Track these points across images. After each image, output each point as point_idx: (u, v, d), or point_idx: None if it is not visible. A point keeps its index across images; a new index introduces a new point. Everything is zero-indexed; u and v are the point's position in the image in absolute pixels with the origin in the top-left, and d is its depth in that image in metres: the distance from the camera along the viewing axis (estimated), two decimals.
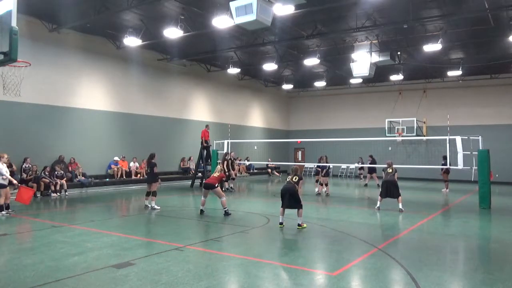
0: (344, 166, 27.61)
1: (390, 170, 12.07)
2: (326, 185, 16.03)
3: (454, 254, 7.43)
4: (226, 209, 10.57)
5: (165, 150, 20.73)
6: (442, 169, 17.79)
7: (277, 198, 13.35)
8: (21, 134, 15.08)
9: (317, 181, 16.46)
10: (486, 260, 7.00)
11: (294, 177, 9.17)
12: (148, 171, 12.38)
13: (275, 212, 11.25)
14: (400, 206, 11.65)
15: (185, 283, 5.16)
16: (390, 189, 11.82)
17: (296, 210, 9.03)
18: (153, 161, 11.95)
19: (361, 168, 21.66)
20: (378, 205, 12.08)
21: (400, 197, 11.77)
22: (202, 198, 10.82)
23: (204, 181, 11.43)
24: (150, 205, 11.76)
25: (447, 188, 18.04)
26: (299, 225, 8.98)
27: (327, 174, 16.34)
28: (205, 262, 6.19)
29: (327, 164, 16.16)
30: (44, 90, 15.90)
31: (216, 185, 10.53)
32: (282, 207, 9.10)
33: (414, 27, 16.10)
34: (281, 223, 9.16)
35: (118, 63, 19.05)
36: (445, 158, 17.79)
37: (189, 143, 22.12)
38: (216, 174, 10.94)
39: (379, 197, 12.09)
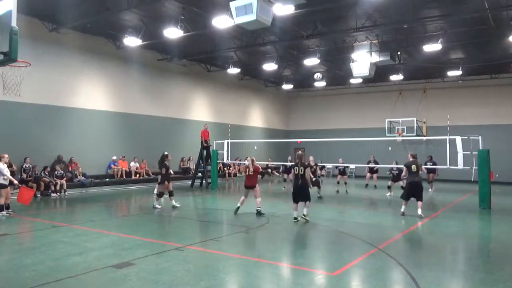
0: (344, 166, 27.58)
1: (415, 169, 10.49)
2: (338, 183, 17.55)
3: (454, 254, 7.43)
4: (260, 208, 10.60)
5: (165, 150, 20.58)
6: (430, 169, 17.33)
7: (277, 198, 13.39)
8: (21, 134, 15.07)
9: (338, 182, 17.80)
10: (486, 260, 6.99)
11: (301, 168, 9.60)
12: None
13: (275, 212, 11.28)
14: (420, 212, 10.50)
15: (185, 283, 5.15)
16: (415, 192, 10.50)
17: (305, 202, 9.62)
18: (165, 162, 11.99)
19: (343, 170, 17.88)
20: (402, 210, 10.69)
21: (421, 202, 10.54)
22: (243, 197, 10.89)
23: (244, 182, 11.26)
24: (172, 203, 11.97)
25: (431, 188, 17.76)
26: (304, 215, 9.54)
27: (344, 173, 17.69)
28: (205, 262, 6.19)
29: (344, 165, 17.34)
30: (44, 90, 15.89)
31: (256, 185, 10.80)
32: (295, 202, 9.66)
33: (414, 27, 16.10)
34: (296, 218, 9.62)
35: (118, 63, 19.04)
36: (431, 158, 17.81)
37: (189, 143, 22.12)
38: (250, 172, 10.77)
39: (403, 201, 10.76)
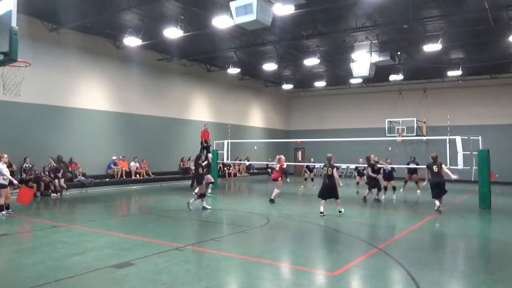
0: (344, 166, 27.61)
1: (436, 169, 10.79)
2: (394, 188, 14.96)
3: (454, 254, 7.42)
4: (273, 197, 12.83)
5: (165, 150, 20.73)
6: (411, 169, 16.89)
7: (277, 198, 13.41)
8: (21, 134, 15.07)
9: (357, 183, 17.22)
10: (486, 260, 7.00)
11: (329, 169, 10.41)
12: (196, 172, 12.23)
13: (275, 212, 11.31)
14: (437, 206, 10.98)
15: (185, 283, 5.15)
16: (437, 191, 10.92)
17: (335, 200, 10.56)
18: (199, 161, 11.90)
19: (362, 170, 16.45)
20: (440, 208, 10.94)
21: (440, 199, 11.04)
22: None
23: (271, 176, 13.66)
24: (204, 205, 11.53)
25: (419, 189, 17.00)
26: (340, 211, 10.49)
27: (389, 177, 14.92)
28: (205, 262, 6.19)
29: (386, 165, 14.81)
30: (44, 90, 15.89)
31: (279, 179, 12.97)
32: (323, 199, 10.50)
33: (414, 27, 16.09)
34: (322, 213, 10.42)
35: (118, 63, 19.04)
36: (414, 158, 17.75)
37: (189, 143, 22.11)
38: (277, 168, 12.99)
39: (436, 201, 11.09)
